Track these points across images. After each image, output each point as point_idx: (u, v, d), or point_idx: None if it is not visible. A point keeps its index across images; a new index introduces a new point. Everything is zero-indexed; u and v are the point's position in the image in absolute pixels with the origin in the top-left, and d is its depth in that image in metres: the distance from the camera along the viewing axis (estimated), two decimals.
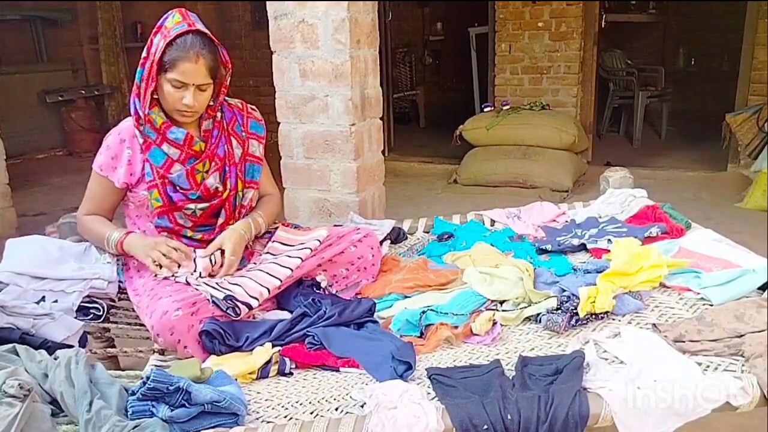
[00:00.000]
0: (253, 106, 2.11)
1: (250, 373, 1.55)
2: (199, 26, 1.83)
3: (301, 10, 2.71)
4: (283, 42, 2.79)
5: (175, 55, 1.77)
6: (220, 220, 1.97)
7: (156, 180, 1.87)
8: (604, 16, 5.93)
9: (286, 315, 1.81)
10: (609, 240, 2.10)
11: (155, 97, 1.86)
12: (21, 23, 6.96)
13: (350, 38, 2.67)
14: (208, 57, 1.80)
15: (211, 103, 1.93)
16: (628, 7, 7.28)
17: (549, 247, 2.19)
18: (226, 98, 2.02)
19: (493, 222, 2.54)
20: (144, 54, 1.83)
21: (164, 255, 1.81)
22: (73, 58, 7.37)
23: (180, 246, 1.86)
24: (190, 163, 1.90)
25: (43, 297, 1.96)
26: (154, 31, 1.82)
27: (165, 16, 1.83)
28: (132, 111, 1.87)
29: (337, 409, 1.40)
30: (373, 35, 2.86)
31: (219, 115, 1.98)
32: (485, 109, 5.66)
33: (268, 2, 2.81)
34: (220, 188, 1.95)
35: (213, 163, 1.94)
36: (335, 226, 2.35)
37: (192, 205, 1.91)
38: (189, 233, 1.94)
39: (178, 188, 1.89)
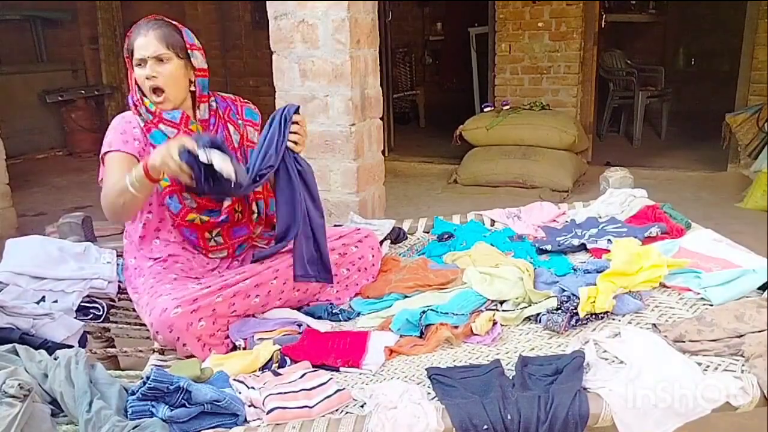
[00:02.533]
0: (247, 99, 2.12)
1: (250, 373, 1.55)
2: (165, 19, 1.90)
3: (301, 10, 2.72)
4: (283, 42, 2.79)
5: (132, 38, 1.86)
6: (227, 203, 1.93)
7: None
8: (604, 16, 5.93)
9: (286, 312, 1.82)
10: (609, 240, 2.10)
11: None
12: (21, 23, 6.96)
13: (350, 38, 2.67)
14: (158, 30, 1.85)
15: (193, 89, 1.92)
16: (628, 7, 7.27)
17: (549, 247, 2.19)
18: (220, 92, 2.03)
19: (493, 222, 2.54)
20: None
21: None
22: (73, 58, 7.37)
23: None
24: None
25: (43, 297, 1.96)
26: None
27: None
28: (131, 104, 1.91)
29: (337, 410, 1.40)
30: (373, 35, 2.86)
31: (214, 104, 1.98)
32: (485, 109, 5.66)
33: (268, 2, 2.81)
34: None
35: None
36: (335, 226, 2.36)
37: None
38: (194, 215, 1.90)
39: None
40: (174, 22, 1.91)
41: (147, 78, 1.83)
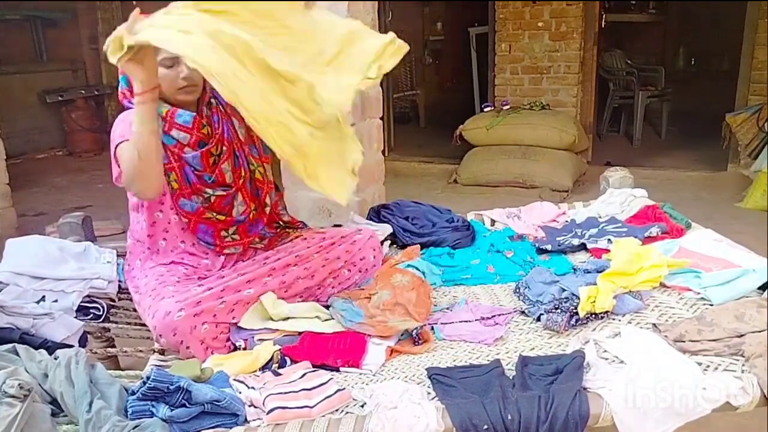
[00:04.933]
0: None
1: (250, 373, 1.55)
2: None
3: None
4: None
5: None
6: (242, 208, 1.93)
7: (173, 162, 1.83)
8: (604, 16, 5.92)
9: None
10: (609, 240, 2.10)
11: None
12: (21, 23, 6.96)
13: None
14: None
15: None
16: (628, 7, 7.27)
17: (549, 247, 2.19)
18: None
19: (493, 222, 2.54)
20: None
21: None
22: (73, 58, 7.37)
23: None
24: (201, 146, 1.86)
25: (43, 297, 1.96)
26: None
27: None
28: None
29: (337, 409, 1.40)
30: None
31: (214, 101, 1.94)
32: (485, 109, 5.66)
33: None
34: (233, 177, 1.92)
35: (224, 147, 1.91)
36: (335, 226, 2.35)
37: (209, 190, 1.87)
38: (211, 214, 1.89)
39: (194, 170, 1.86)
40: None
41: (184, 77, 1.76)
